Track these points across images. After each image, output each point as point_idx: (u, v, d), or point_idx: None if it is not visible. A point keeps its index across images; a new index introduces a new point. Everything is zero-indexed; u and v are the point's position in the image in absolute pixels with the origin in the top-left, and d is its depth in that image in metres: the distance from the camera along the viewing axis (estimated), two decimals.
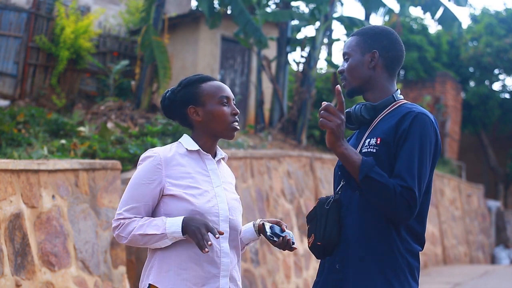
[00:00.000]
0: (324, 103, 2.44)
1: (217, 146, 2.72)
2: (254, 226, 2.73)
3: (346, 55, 2.65)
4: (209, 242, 2.40)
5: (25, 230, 4.49)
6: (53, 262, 4.73)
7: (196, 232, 2.41)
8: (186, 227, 2.44)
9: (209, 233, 2.44)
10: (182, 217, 2.46)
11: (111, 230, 2.58)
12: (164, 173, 2.54)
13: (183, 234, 2.44)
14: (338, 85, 2.45)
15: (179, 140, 2.68)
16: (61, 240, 4.87)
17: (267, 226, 2.65)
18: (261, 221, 2.72)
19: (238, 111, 2.66)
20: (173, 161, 2.57)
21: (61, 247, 4.85)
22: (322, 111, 2.44)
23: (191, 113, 2.64)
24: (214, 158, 2.67)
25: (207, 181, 2.58)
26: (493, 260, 19.72)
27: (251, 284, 7.45)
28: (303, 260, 8.89)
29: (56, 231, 4.83)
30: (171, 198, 2.53)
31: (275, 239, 2.62)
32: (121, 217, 2.53)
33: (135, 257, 5.95)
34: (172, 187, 2.53)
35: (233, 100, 2.68)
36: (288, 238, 2.63)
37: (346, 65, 2.65)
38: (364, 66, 2.61)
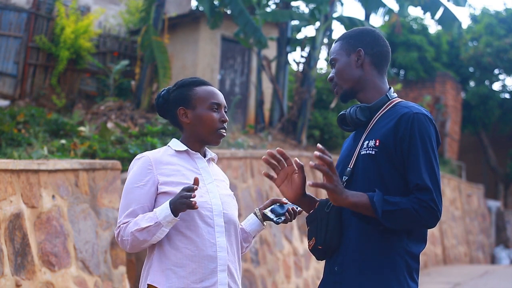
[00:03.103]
0: (319, 153, 2.35)
1: (206, 148, 2.74)
2: (257, 216, 2.78)
3: (333, 61, 2.65)
4: (193, 194, 2.41)
5: (25, 230, 4.49)
6: (53, 262, 4.73)
7: (180, 200, 2.42)
8: (174, 206, 2.45)
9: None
10: (167, 201, 2.48)
11: (115, 237, 2.59)
12: (156, 172, 2.57)
13: (175, 215, 2.45)
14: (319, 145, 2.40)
15: (168, 144, 2.71)
16: (61, 240, 4.87)
17: (269, 213, 2.73)
18: (259, 210, 2.78)
19: (227, 118, 2.69)
20: (163, 160, 2.60)
21: (61, 247, 4.85)
22: (323, 167, 2.34)
23: (181, 115, 2.67)
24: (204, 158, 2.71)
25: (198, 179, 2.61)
26: (493, 260, 19.73)
27: (251, 284, 7.45)
28: (303, 260, 8.89)
29: (56, 231, 4.83)
30: (164, 195, 2.55)
31: (282, 218, 2.70)
32: (121, 223, 2.56)
33: (135, 257, 5.95)
34: (164, 185, 2.55)
35: (225, 108, 2.71)
36: (290, 208, 2.71)
37: (334, 70, 2.65)
38: (352, 66, 2.60)
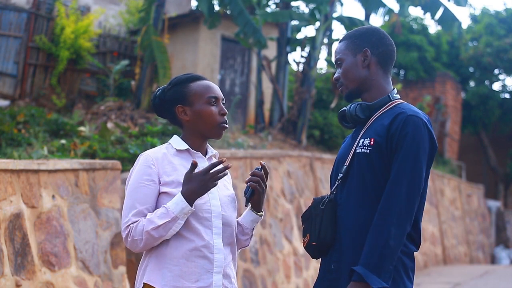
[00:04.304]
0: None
1: (208, 144, 2.73)
2: (250, 209, 2.74)
3: (338, 61, 2.65)
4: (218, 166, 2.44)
5: (25, 230, 4.49)
6: (53, 262, 4.73)
7: (201, 183, 2.46)
8: (188, 194, 2.46)
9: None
10: (178, 193, 2.48)
11: (123, 239, 2.57)
12: (157, 172, 2.55)
13: (191, 205, 2.47)
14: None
15: (168, 142, 2.70)
16: (61, 240, 4.87)
17: (245, 194, 2.68)
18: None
19: (226, 111, 2.67)
20: (164, 160, 2.59)
21: (61, 247, 4.85)
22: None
23: (179, 113, 2.65)
24: (205, 156, 2.69)
25: None
26: (493, 260, 19.72)
27: (251, 284, 7.45)
28: (303, 260, 8.89)
29: (56, 231, 4.83)
30: (164, 195, 2.54)
31: (249, 190, 2.65)
32: (129, 223, 2.52)
33: (135, 257, 5.94)
34: (164, 185, 2.55)
35: (222, 100, 2.68)
36: (251, 173, 2.65)
37: (340, 70, 2.65)
38: (358, 67, 2.61)
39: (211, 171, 2.47)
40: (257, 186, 2.63)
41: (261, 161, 2.67)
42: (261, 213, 2.76)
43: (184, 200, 2.45)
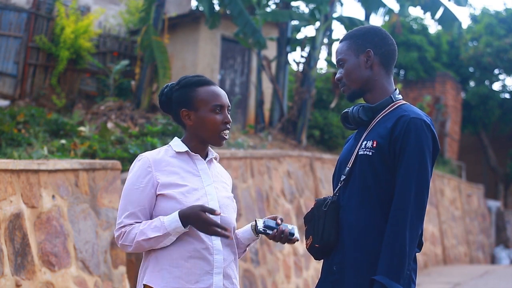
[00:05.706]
0: None
1: (209, 147, 2.72)
2: (251, 226, 2.73)
3: (340, 61, 2.64)
4: (224, 231, 2.43)
5: (25, 230, 4.49)
6: (53, 262, 4.73)
7: (200, 224, 2.43)
8: (187, 220, 2.46)
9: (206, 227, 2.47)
10: (177, 212, 2.48)
11: (115, 239, 2.58)
12: (155, 174, 2.56)
13: (185, 227, 2.46)
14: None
15: (169, 144, 2.70)
16: (61, 240, 4.87)
17: (260, 222, 2.63)
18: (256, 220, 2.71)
19: (230, 120, 2.66)
20: (162, 162, 2.59)
21: (61, 247, 4.85)
22: None
23: (183, 116, 2.65)
24: (205, 159, 2.69)
25: (197, 180, 2.60)
26: (493, 260, 19.73)
27: (251, 284, 7.45)
28: (303, 260, 8.89)
29: (56, 231, 4.83)
30: (161, 197, 2.55)
31: (268, 231, 2.58)
32: (121, 225, 2.55)
33: (135, 257, 5.94)
34: (162, 188, 2.55)
35: (228, 107, 2.67)
36: (283, 229, 2.58)
37: (342, 71, 2.63)
38: (361, 67, 2.60)
39: (216, 228, 2.44)
40: (275, 237, 2.60)
41: (298, 239, 2.62)
42: (259, 236, 2.74)
43: (180, 220, 2.45)
